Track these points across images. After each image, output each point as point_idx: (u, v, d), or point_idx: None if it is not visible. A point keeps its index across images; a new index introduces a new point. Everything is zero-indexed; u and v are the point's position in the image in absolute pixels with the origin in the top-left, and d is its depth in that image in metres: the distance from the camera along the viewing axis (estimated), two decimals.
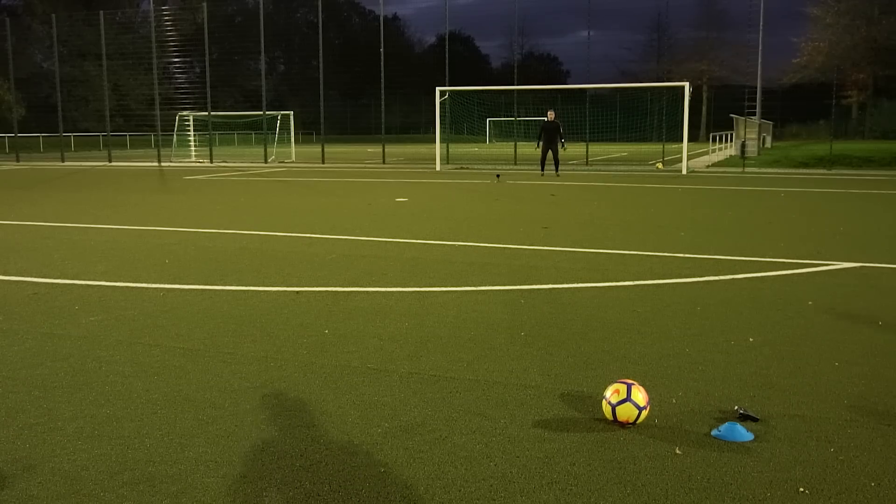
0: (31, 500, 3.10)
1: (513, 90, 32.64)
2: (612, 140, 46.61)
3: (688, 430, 3.77)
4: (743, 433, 3.67)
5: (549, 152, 23.26)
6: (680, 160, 25.80)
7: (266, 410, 4.04)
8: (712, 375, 4.57)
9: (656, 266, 8.14)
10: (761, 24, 35.42)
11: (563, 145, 23.18)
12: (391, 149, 36.67)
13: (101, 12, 34.49)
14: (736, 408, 3.95)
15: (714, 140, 41.60)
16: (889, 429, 3.78)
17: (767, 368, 4.69)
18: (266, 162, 32.76)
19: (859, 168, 26.41)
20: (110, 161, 34.42)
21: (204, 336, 5.45)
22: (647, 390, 4.34)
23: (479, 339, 5.36)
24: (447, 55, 31.09)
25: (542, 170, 23.67)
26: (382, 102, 31.70)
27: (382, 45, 31.26)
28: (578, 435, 3.71)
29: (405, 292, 6.87)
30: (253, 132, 43.73)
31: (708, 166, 28.63)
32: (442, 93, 28.51)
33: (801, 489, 3.16)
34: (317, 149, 36.40)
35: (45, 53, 56.18)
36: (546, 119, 23.33)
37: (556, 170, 23.65)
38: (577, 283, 7.26)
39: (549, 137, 23.04)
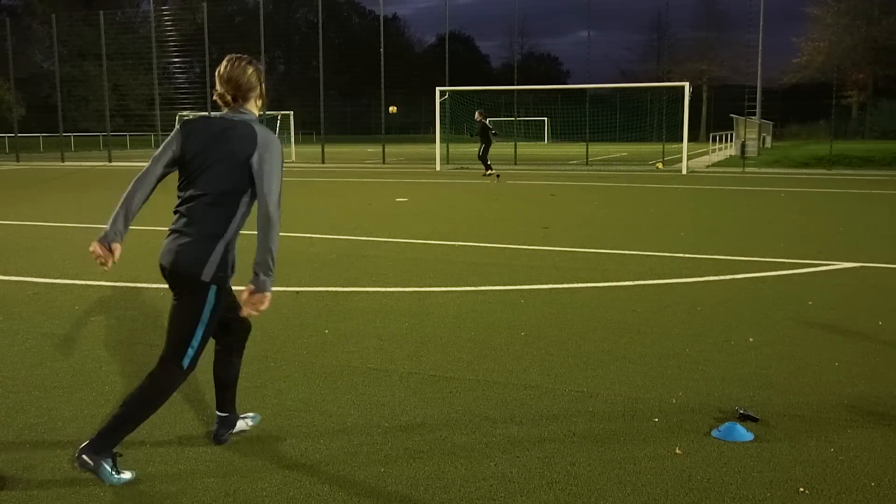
0: (31, 500, 3.10)
1: (513, 90, 32.66)
2: (612, 140, 46.68)
3: (688, 430, 3.77)
4: (743, 433, 3.67)
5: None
6: (680, 160, 25.80)
7: (266, 410, 4.04)
8: (712, 375, 4.57)
9: (656, 266, 8.14)
10: (761, 24, 35.42)
11: (495, 137, 23.80)
12: (391, 149, 36.69)
13: (101, 12, 34.48)
14: (736, 408, 3.95)
15: (714, 140, 41.61)
16: (889, 429, 3.78)
17: (767, 368, 4.69)
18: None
19: (859, 168, 26.42)
20: (110, 161, 34.42)
21: None
22: (647, 390, 4.34)
23: (479, 339, 5.37)
24: (447, 55, 31.11)
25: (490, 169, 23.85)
26: (382, 102, 31.69)
27: (382, 45, 31.27)
28: (579, 435, 3.71)
29: (405, 292, 6.87)
30: None
31: (708, 166, 28.63)
32: (442, 93, 28.52)
33: (801, 489, 3.16)
34: (317, 149, 36.41)
35: (45, 53, 56.22)
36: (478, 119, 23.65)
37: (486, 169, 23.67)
38: (577, 283, 7.26)
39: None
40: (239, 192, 3.23)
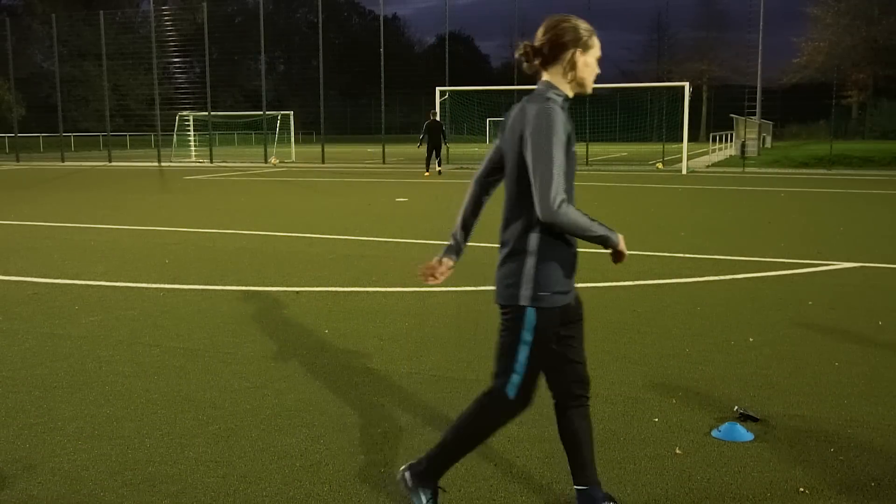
0: (31, 500, 3.10)
1: (513, 90, 32.65)
2: (612, 140, 46.66)
3: (688, 430, 3.77)
4: (743, 433, 3.67)
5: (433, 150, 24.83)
6: (680, 160, 25.80)
7: (266, 410, 4.04)
8: (712, 375, 4.57)
9: (656, 266, 8.14)
10: (761, 24, 35.41)
11: (444, 142, 25.22)
12: (391, 149, 36.68)
13: (101, 12, 34.48)
14: (736, 408, 3.95)
15: (714, 140, 41.61)
16: (889, 429, 3.78)
17: (767, 368, 4.69)
18: (266, 162, 32.79)
19: (859, 168, 26.42)
20: (110, 161, 34.42)
21: (204, 336, 5.45)
22: (647, 390, 4.34)
23: (479, 339, 5.37)
24: (447, 55, 31.11)
25: (428, 168, 24.88)
26: (382, 102, 31.71)
27: (382, 45, 31.27)
28: None
29: (405, 292, 6.87)
30: (253, 132, 43.76)
31: (708, 166, 28.63)
32: (442, 93, 28.51)
33: (801, 489, 3.16)
34: (317, 149, 36.41)
35: (45, 53, 56.23)
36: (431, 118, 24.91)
37: (439, 166, 25.08)
38: (577, 283, 7.25)
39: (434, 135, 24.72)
40: (527, 192, 2.63)
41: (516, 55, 2.71)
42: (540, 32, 2.66)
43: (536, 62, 2.67)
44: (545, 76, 2.67)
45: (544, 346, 2.70)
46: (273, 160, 28.86)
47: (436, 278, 2.89)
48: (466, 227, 2.95)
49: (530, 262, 2.63)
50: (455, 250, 2.93)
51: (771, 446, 3.58)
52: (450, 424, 2.85)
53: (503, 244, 2.71)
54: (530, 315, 2.65)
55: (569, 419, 2.86)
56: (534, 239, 2.63)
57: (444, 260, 2.91)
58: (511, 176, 2.67)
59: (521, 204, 2.64)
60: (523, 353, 2.68)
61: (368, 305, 6.36)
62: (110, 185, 20.57)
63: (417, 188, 19.04)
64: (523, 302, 2.64)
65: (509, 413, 2.76)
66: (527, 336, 2.67)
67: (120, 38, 41.19)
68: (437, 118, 25.27)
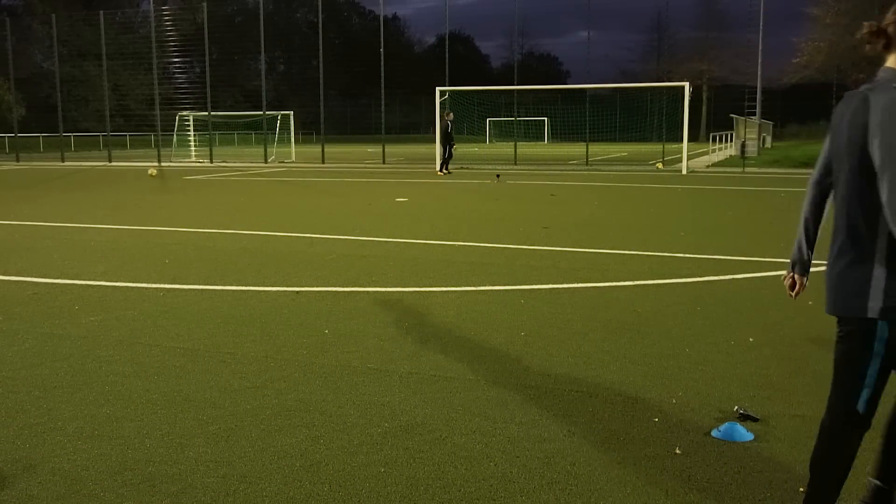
0: (31, 500, 3.10)
1: (513, 90, 32.65)
2: (612, 140, 46.70)
3: (688, 430, 3.77)
4: (743, 433, 3.67)
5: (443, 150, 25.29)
6: (680, 160, 25.80)
7: (266, 410, 4.04)
8: (712, 375, 4.57)
9: (656, 266, 8.14)
10: (761, 24, 35.42)
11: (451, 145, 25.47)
12: (391, 149, 36.70)
13: (101, 12, 34.49)
14: (736, 408, 3.95)
15: (714, 140, 41.61)
16: None
17: (767, 368, 4.69)
18: (266, 162, 32.79)
19: None
20: (110, 161, 34.43)
21: (204, 336, 5.45)
22: (648, 390, 4.34)
23: (479, 339, 5.37)
24: (447, 55, 31.10)
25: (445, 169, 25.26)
26: (382, 102, 31.70)
27: (382, 45, 31.27)
28: (578, 435, 3.71)
29: (405, 292, 6.87)
30: (253, 132, 43.75)
31: (708, 166, 28.63)
32: (442, 93, 28.51)
33: (801, 489, 3.15)
34: (317, 149, 36.42)
35: (45, 53, 56.21)
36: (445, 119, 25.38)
37: (440, 169, 25.41)
38: (577, 283, 7.26)
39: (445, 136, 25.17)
40: (870, 192, 2.38)
41: (857, 35, 2.45)
42: (891, 11, 2.38)
43: (879, 45, 2.42)
44: (890, 61, 2.42)
45: (893, 360, 2.52)
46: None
47: (792, 296, 2.83)
48: (810, 237, 2.81)
49: (879, 272, 2.40)
50: (804, 267, 2.80)
51: (771, 446, 3.58)
52: (811, 465, 2.72)
53: (840, 248, 2.52)
54: (882, 329, 2.45)
55: None
56: (882, 244, 2.38)
57: (797, 278, 2.82)
58: (852, 172, 2.42)
59: (863, 204, 2.39)
60: (874, 367, 2.52)
61: (368, 305, 6.36)
62: (110, 185, 20.57)
63: (417, 188, 19.04)
64: (872, 315, 2.44)
65: (862, 429, 2.64)
66: (879, 348, 2.49)
67: (120, 38, 41.18)
68: (440, 119, 25.51)
